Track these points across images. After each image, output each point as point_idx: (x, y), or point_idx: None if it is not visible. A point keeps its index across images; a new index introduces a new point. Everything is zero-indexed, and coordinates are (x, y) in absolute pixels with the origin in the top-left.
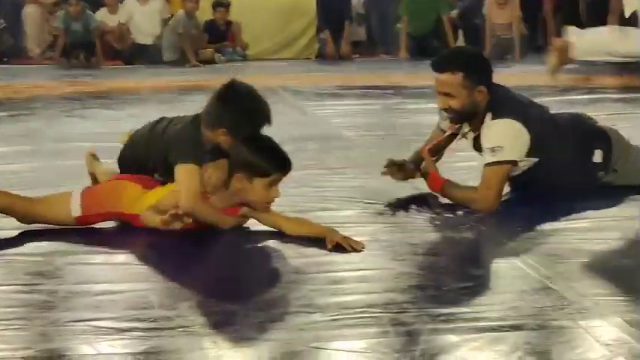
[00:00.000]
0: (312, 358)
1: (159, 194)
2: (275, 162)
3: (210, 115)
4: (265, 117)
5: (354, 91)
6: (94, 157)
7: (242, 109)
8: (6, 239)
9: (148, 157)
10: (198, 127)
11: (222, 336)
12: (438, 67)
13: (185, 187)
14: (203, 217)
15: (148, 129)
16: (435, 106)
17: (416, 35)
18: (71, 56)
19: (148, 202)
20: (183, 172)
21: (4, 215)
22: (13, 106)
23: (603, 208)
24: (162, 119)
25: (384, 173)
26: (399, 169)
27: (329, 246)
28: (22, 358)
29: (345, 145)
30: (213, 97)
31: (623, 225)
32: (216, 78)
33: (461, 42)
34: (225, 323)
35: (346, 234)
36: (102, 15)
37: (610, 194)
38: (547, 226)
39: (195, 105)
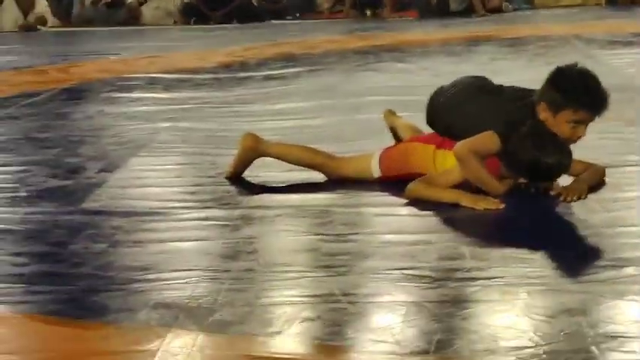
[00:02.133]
0: (626, 310)
1: (447, 160)
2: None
3: (540, 89)
4: (587, 101)
5: None
6: (391, 112)
7: (563, 88)
8: (320, 190)
9: (457, 125)
10: (525, 115)
11: (535, 287)
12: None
13: (472, 139)
14: (471, 172)
15: (467, 94)
16: None
17: None
18: (360, 9)
19: (440, 165)
20: (487, 134)
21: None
22: (310, 61)
23: None
24: (483, 81)
25: None
26: None
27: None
28: (348, 302)
29: None
30: (547, 80)
31: None
32: (504, 28)
33: None
34: (538, 275)
35: None
36: None
37: None
38: None
39: (484, 57)
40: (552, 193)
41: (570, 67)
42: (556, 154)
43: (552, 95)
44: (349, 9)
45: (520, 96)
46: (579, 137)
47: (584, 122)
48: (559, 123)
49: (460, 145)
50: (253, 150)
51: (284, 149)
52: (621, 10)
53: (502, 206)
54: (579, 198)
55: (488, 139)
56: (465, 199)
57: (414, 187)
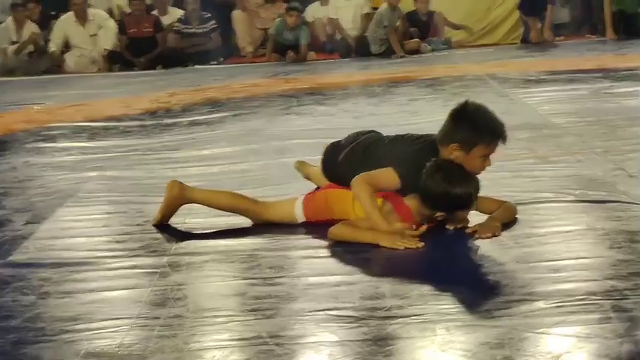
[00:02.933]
0: (537, 343)
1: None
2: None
3: (443, 133)
4: (496, 134)
5: (561, 76)
6: (301, 162)
7: (474, 126)
8: (246, 235)
9: (352, 173)
10: (426, 156)
11: (453, 323)
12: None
13: (370, 172)
14: (361, 201)
15: (354, 145)
16: None
17: (624, 14)
18: (282, 53)
19: (358, 209)
20: (387, 170)
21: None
22: (234, 105)
23: None
24: (370, 133)
25: None
26: None
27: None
28: (275, 344)
29: (556, 132)
30: (447, 116)
31: None
32: (423, 69)
33: None
34: (455, 311)
35: (561, 224)
36: (314, 8)
37: None
38: None
39: (403, 97)
40: (467, 231)
41: (467, 105)
42: (464, 184)
43: (464, 134)
44: (271, 53)
45: (418, 140)
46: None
47: (492, 153)
48: (472, 159)
49: (358, 176)
50: (179, 197)
51: (209, 195)
52: (533, 49)
53: (421, 245)
54: (493, 235)
55: (385, 174)
56: (385, 240)
57: (336, 231)
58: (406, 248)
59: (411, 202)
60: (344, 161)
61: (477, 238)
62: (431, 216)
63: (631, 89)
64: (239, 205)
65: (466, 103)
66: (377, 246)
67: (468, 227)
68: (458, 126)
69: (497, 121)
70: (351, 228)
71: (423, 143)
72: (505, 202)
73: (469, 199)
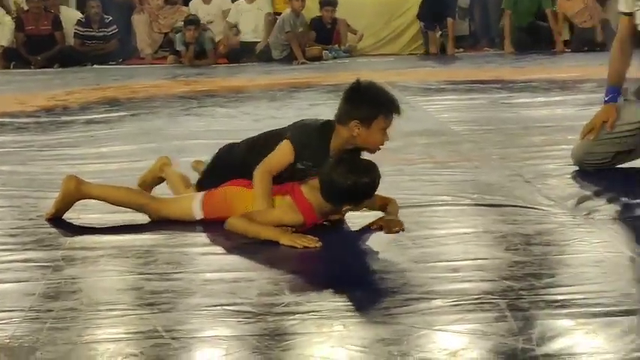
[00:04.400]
0: (434, 340)
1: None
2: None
3: (342, 113)
4: (392, 106)
5: (461, 86)
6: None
7: (371, 100)
8: (143, 231)
9: (251, 161)
10: (326, 132)
11: (350, 319)
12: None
13: (270, 156)
14: (256, 189)
15: (265, 135)
16: (543, 99)
17: (520, 28)
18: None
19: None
20: (282, 145)
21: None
22: (133, 105)
23: None
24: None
25: None
26: None
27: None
28: (171, 338)
29: (454, 139)
30: (342, 98)
31: None
32: (324, 75)
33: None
34: (353, 308)
35: (459, 226)
36: (195, 4)
37: None
38: None
39: (304, 102)
40: (372, 227)
41: (360, 83)
42: (370, 171)
43: (362, 111)
44: (170, 53)
45: (316, 122)
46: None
47: (389, 126)
48: (373, 133)
49: (256, 168)
50: (76, 192)
51: (106, 190)
52: (433, 60)
53: (319, 245)
54: (401, 229)
55: (279, 149)
56: (284, 238)
57: (234, 222)
58: (305, 247)
59: (312, 197)
60: (244, 151)
61: (387, 233)
62: (333, 211)
63: (528, 100)
64: (137, 201)
65: (358, 81)
66: (276, 243)
67: (373, 224)
68: (355, 103)
69: (391, 95)
70: (251, 222)
71: (321, 121)
72: (390, 198)
73: (375, 186)
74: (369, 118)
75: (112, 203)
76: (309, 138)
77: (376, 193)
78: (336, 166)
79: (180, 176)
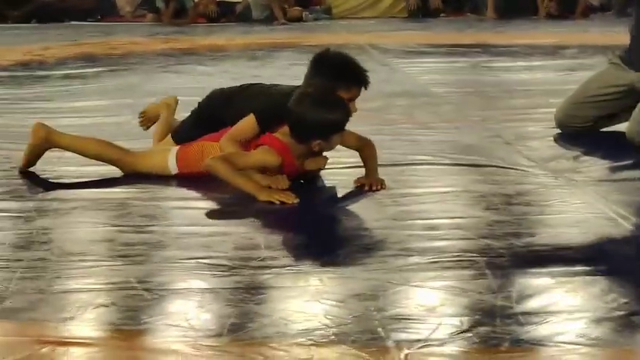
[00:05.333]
0: (411, 295)
1: None
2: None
3: (305, 81)
4: (354, 78)
5: (442, 49)
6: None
7: (333, 71)
8: (118, 184)
9: (227, 113)
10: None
11: (326, 274)
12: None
13: (235, 128)
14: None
15: (242, 87)
16: (524, 64)
17: None
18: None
19: None
20: (246, 119)
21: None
22: (110, 61)
23: None
24: (260, 83)
25: None
26: None
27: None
28: (144, 290)
29: (434, 101)
30: (309, 64)
31: None
32: (304, 36)
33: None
34: (330, 263)
35: (438, 185)
36: None
37: None
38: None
39: (284, 62)
40: (355, 185)
41: (326, 52)
42: (337, 103)
43: (323, 80)
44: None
45: (287, 88)
46: (353, 113)
47: (354, 98)
48: None
49: (222, 138)
50: (44, 140)
51: (77, 141)
52: (416, 22)
53: (296, 200)
54: (382, 187)
55: (243, 122)
56: (262, 194)
57: (213, 163)
58: (282, 203)
59: (286, 139)
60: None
61: (369, 190)
62: (307, 151)
63: (509, 64)
64: (108, 154)
65: (327, 50)
66: (253, 199)
67: (355, 182)
68: (318, 72)
69: (356, 66)
70: (230, 169)
71: (289, 89)
72: (367, 139)
73: (346, 118)
74: (330, 89)
75: (83, 155)
76: (274, 109)
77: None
78: (301, 101)
79: (167, 123)
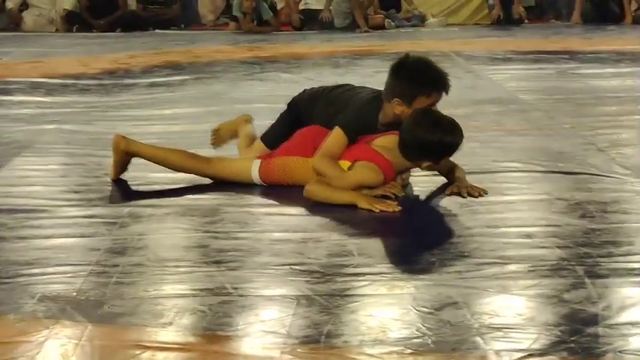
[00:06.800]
0: (509, 304)
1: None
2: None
3: (386, 88)
4: (436, 84)
5: (528, 56)
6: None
7: (413, 78)
8: (208, 191)
9: (311, 113)
10: (374, 108)
11: (422, 282)
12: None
13: (325, 145)
14: (324, 176)
15: (327, 89)
16: (613, 70)
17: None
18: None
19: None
20: (335, 134)
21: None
22: (196, 69)
23: None
24: (346, 85)
25: None
26: None
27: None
28: (239, 296)
29: (523, 108)
30: (389, 72)
31: None
32: (387, 43)
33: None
34: (424, 271)
35: (530, 192)
36: None
37: None
38: None
39: (367, 70)
40: (447, 193)
41: (407, 58)
42: (454, 128)
43: (402, 88)
44: (235, 24)
45: (373, 93)
46: None
47: (435, 104)
48: None
49: (314, 157)
50: (125, 151)
51: (159, 153)
52: (499, 29)
53: (398, 209)
54: (480, 195)
55: (333, 138)
56: (363, 202)
57: (312, 188)
58: (382, 211)
59: (388, 155)
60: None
61: (467, 197)
62: (408, 169)
63: (597, 71)
64: (193, 165)
65: (406, 55)
66: (354, 207)
67: (447, 191)
68: (398, 80)
69: (437, 72)
70: (328, 188)
71: (372, 95)
72: (456, 163)
73: (459, 143)
74: (410, 96)
75: (166, 166)
76: (358, 119)
77: None
78: (419, 121)
79: (249, 136)
